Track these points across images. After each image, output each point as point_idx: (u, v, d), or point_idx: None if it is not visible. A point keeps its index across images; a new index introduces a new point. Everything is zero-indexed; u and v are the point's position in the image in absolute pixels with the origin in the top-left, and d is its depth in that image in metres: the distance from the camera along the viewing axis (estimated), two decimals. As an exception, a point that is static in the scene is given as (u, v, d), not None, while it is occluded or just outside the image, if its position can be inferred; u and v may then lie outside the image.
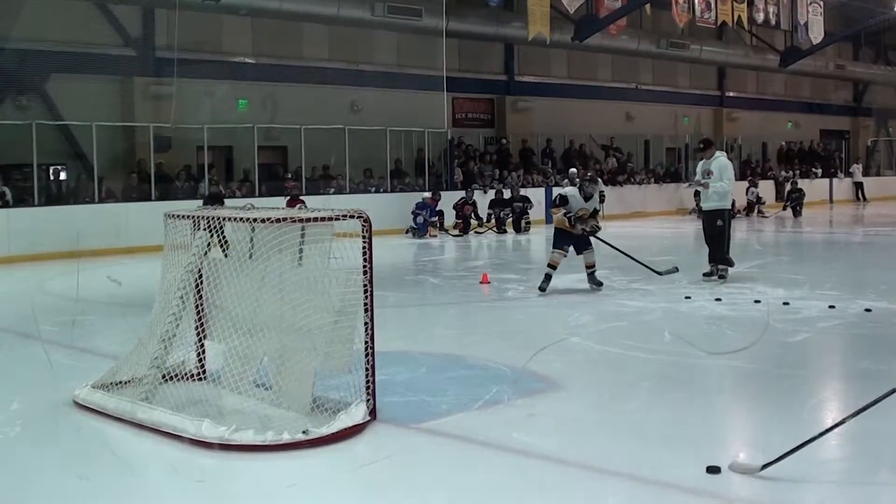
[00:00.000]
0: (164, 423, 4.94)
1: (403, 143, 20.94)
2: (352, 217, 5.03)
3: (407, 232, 18.39)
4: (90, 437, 5.09)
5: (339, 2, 18.63)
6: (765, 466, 4.18)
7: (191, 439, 4.73)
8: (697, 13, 24.09)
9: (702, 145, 11.24)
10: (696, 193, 17.35)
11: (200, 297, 5.63)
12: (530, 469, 4.44)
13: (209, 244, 5.57)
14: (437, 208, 18.70)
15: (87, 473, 4.42)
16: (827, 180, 29.85)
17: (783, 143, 31.07)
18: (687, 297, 9.52)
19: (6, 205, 14.87)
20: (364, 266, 5.01)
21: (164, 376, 5.47)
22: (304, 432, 4.68)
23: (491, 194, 20.02)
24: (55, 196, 16.70)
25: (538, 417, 5.23)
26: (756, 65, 29.56)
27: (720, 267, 10.74)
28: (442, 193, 19.11)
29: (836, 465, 4.49)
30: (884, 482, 4.31)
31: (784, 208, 23.93)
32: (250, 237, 5.43)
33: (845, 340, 7.73)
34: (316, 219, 5.06)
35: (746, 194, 23.74)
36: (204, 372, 5.77)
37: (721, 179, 10.65)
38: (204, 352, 5.79)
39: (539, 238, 17.80)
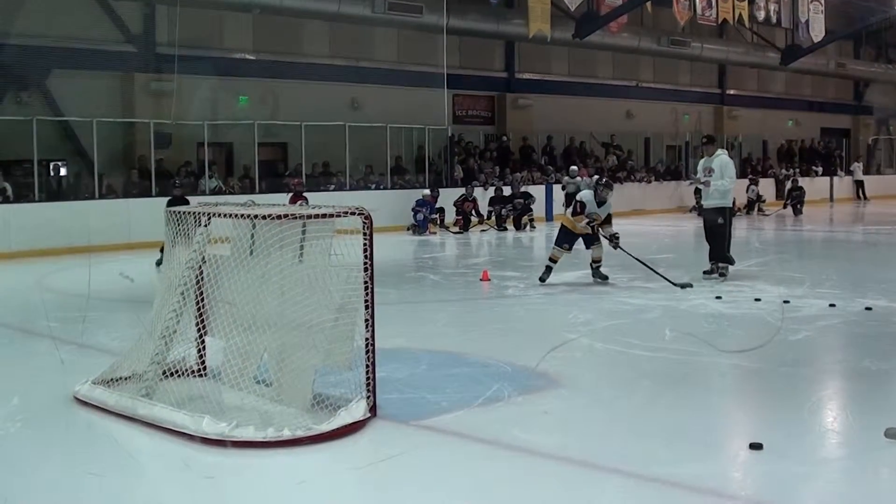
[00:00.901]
0: (165, 420, 4.93)
1: (404, 139, 20.94)
2: (353, 213, 5.03)
3: (408, 229, 18.38)
4: (96, 433, 5.09)
5: (340, -1, 18.63)
6: None
7: (202, 437, 4.71)
8: (698, 11, 24.11)
9: (705, 140, 11.44)
10: (697, 191, 17.42)
11: (201, 294, 5.62)
12: (531, 466, 4.44)
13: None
14: (437, 205, 18.70)
15: (94, 470, 4.41)
16: (827, 178, 29.80)
17: (784, 142, 31.01)
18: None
19: (7, 200, 14.86)
20: (365, 263, 5.00)
21: (164, 372, 5.47)
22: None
23: (491, 191, 20.01)
24: (55, 192, 16.70)
25: (540, 415, 5.23)
26: (757, 63, 29.54)
27: (720, 265, 10.75)
28: (441, 190, 19.08)
29: (836, 465, 4.49)
30: (884, 482, 4.31)
31: (784, 206, 23.92)
32: (251, 233, 5.43)
33: (846, 339, 7.73)
34: (317, 215, 5.05)
35: (747, 192, 23.69)
36: (204, 368, 5.77)
37: (722, 177, 10.66)
38: (204, 348, 5.79)
39: (539, 235, 17.80)
